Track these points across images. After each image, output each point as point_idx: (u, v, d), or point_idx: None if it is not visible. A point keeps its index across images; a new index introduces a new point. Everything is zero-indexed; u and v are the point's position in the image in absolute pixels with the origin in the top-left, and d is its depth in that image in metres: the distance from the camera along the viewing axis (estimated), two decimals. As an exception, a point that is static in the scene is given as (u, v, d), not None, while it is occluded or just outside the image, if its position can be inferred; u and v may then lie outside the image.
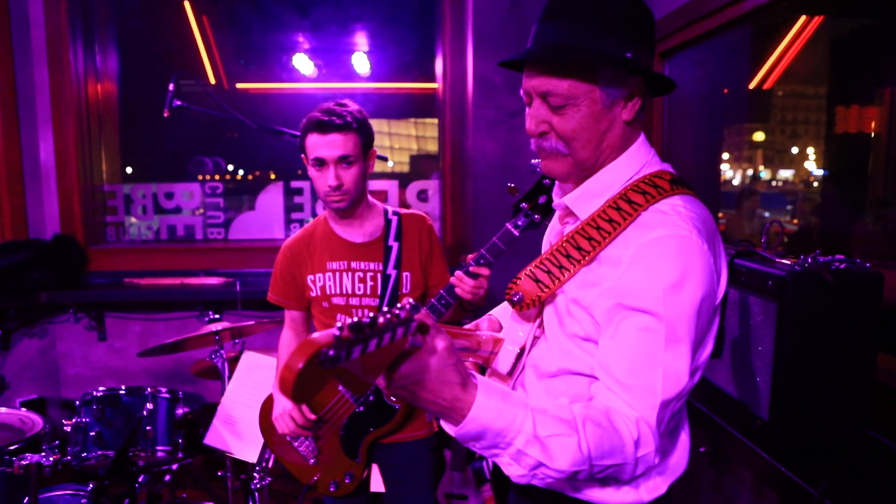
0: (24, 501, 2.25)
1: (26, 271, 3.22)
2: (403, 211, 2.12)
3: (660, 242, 1.05)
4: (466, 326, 1.39)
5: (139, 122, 3.85)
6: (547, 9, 1.12)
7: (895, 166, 2.30)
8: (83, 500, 2.37)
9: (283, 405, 2.04)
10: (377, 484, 2.20)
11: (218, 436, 2.52)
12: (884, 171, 2.35)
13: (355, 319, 0.70)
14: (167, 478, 2.81)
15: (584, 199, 1.18)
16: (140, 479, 2.62)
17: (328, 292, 2.02)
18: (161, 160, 3.90)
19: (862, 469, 1.47)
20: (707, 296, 1.06)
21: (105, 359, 3.53)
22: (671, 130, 2.83)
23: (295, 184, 3.77)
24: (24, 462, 2.21)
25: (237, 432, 2.49)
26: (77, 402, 2.55)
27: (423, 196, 3.78)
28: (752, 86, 3.29)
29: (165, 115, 2.78)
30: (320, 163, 1.91)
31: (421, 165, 3.98)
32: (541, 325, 1.26)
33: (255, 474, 2.53)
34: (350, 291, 2.01)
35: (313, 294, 2.04)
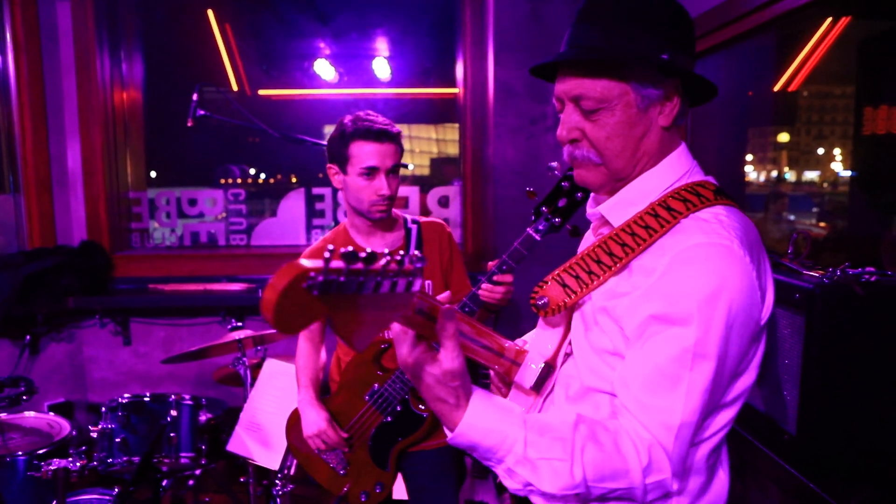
0: (52, 505, 2.29)
1: (55, 277, 3.28)
2: (422, 219, 2.12)
3: (698, 250, 0.98)
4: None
5: (163, 129, 3.90)
6: (581, 12, 1.09)
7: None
8: (109, 505, 2.41)
9: (315, 425, 2.04)
10: (399, 491, 2.20)
11: (241, 443, 2.54)
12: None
13: (350, 248, 0.65)
14: (191, 482, 2.84)
15: (619, 208, 1.11)
16: (164, 484, 2.65)
17: None
18: (184, 166, 3.95)
19: (891, 486, 1.43)
20: (746, 311, 0.99)
21: (130, 363, 3.58)
22: (695, 133, 2.80)
23: (317, 190, 3.79)
24: (52, 467, 2.25)
25: (260, 440, 2.51)
26: (103, 409, 2.59)
27: (443, 202, 3.78)
28: (776, 88, 3.24)
29: (189, 124, 2.82)
30: (372, 171, 1.93)
31: (442, 169, 3.98)
32: (570, 342, 1.20)
33: (276, 481, 2.55)
34: None
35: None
